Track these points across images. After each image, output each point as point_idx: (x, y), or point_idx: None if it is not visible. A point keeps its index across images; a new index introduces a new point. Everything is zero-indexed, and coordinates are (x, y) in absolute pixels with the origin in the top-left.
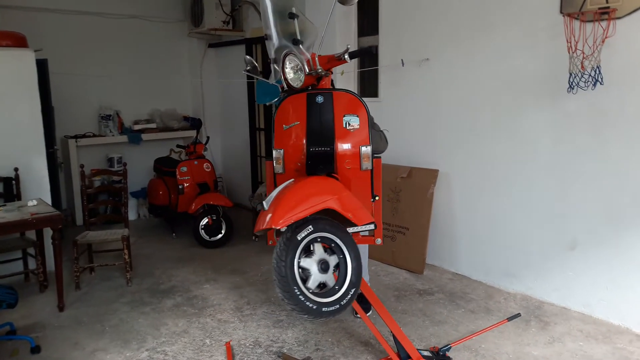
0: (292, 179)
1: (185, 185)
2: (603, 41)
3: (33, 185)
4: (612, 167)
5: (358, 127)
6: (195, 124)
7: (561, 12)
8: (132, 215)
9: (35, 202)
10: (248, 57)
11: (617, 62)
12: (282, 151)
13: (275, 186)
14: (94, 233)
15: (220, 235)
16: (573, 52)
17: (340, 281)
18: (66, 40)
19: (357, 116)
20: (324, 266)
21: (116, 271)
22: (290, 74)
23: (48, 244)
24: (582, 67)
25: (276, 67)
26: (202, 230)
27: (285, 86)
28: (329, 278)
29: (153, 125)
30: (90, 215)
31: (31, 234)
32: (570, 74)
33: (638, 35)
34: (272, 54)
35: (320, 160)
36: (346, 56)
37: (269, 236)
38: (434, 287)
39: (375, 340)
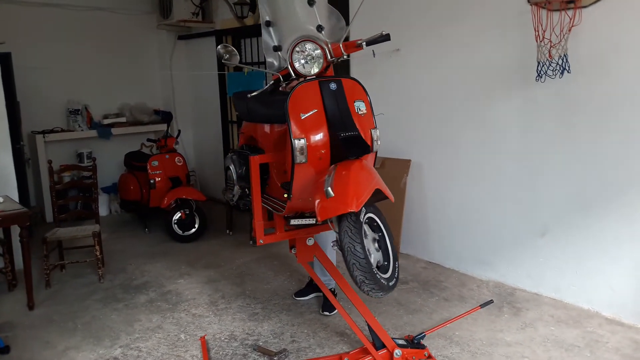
0: (335, 165)
1: (157, 179)
2: (569, 30)
3: None
4: (580, 154)
5: (366, 112)
6: (166, 117)
7: (528, 2)
8: (103, 211)
9: (1, 200)
10: (223, 44)
11: (583, 50)
12: (304, 140)
13: (292, 177)
14: (64, 230)
15: (193, 230)
16: (541, 41)
17: (386, 257)
18: (31, 33)
19: (363, 102)
20: (379, 245)
21: (88, 268)
22: (302, 61)
23: (16, 241)
24: (550, 55)
25: (281, 54)
26: (175, 225)
27: (292, 74)
28: (381, 256)
29: (123, 120)
30: (60, 212)
31: None
32: (539, 63)
33: (603, 23)
34: (275, 42)
35: (354, 145)
36: (364, 43)
37: (257, 236)
38: (408, 276)
39: (350, 330)
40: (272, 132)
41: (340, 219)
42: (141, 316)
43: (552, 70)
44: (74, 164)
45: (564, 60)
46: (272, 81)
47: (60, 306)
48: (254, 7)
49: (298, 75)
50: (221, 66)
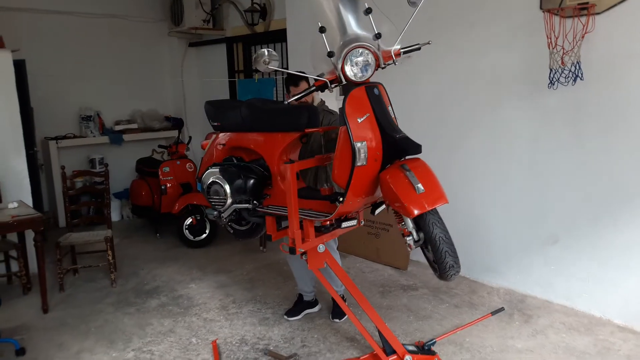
0: (403, 164)
1: (168, 185)
2: (582, 37)
3: (13, 187)
4: (591, 162)
5: (394, 116)
6: (177, 124)
7: (541, 8)
8: (115, 217)
9: (16, 205)
10: (266, 49)
11: (596, 57)
12: (365, 143)
13: (350, 180)
14: (76, 235)
15: (204, 235)
16: (553, 48)
17: None
18: (44, 40)
19: (391, 106)
20: None
21: (100, 272)
22: (356, 67)
23: (30, 246)
24: (562, 62)
25: (332, 60)
26: (186, 230)
27: (342, 79)
28: None
29: (134, 126)
30: (73, 217)
31: (13, 237)
32: (551, 70)
33: (617, 30)
34: (328, 48)
35: (410, 145)
36: (402, 51)
37: (297, 245)
38: (418, 282)
39: (360, 336)
40: (283, 140)
41: (421, 214)
42: (153, 320)
43: (565, 78)
44: (87, 169)
45: (577, 67)
46: (314, 87)
47: (73, 309)
48: (264, 15)
49: (348, 80)
50: (231, 73)
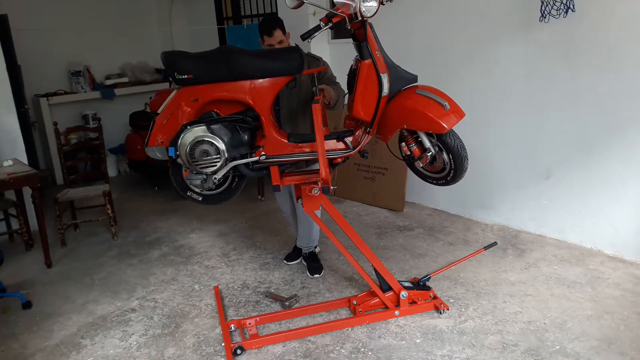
0: (418, 89)
1: None
2: None
3: (7, 146)
4: (584, 96)
5: None
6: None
7: None
8: (112, 172)
9: (11, 162)
10: None
11: None
12: (386, 74)
13: (377, 111)
14: (74, 190)
15: None
16: None
17: None
18: None
19: None
20: None
21: (101, 227)
22: (369, 3)
23: (29, 203)
24: None
25: None
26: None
27: (357, 16)
28: None
29: (125, 80)
30: (70, 174)
31: (11, 195)
32: (542, 2)
33: None
34: None
35: (409, 76)
36: None
37: (331, 184)
38: (414, 223)
39: (358, 275)
40: (277, 85)
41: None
42: (156, 270)
43: (557, 10)
44: (80, 125)
45: None
46: (330, 23)
47: (76, 263)
48: None
49: (362, 18)
50: (220, 20)
